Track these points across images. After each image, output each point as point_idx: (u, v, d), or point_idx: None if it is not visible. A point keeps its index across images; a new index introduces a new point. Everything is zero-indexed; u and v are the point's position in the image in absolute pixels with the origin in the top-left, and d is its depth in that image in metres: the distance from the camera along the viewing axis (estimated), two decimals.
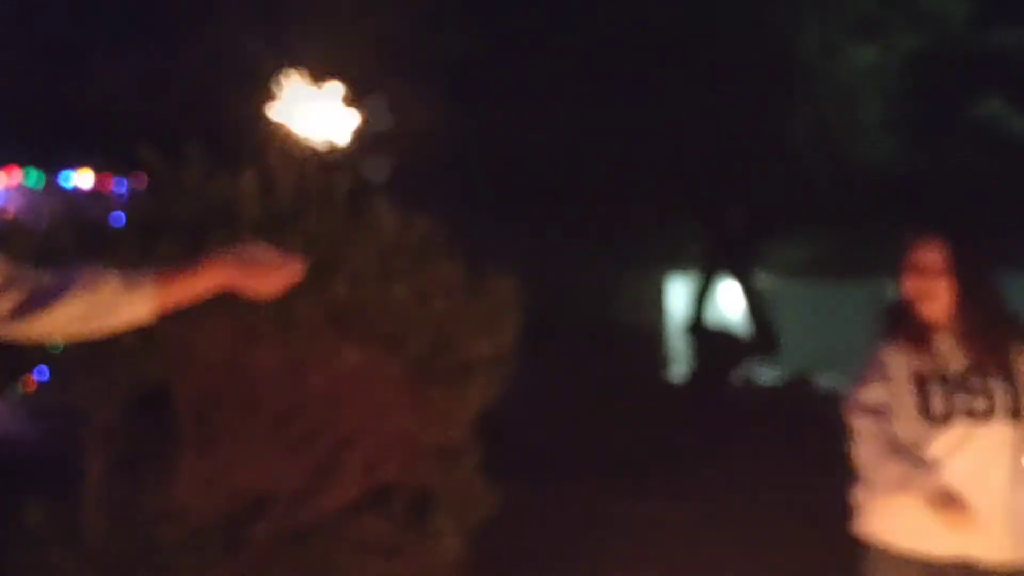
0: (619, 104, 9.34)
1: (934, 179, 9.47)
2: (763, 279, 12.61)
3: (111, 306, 1.49)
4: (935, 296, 2.38)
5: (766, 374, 11.89)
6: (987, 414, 2.32)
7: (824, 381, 11.99)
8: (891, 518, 2.36)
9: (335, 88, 2.25)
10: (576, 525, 5.91)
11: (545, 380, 8.49)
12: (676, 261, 14.28)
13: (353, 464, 3.42)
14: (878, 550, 2.39)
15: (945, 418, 2.33)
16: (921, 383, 2.36)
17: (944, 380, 2.35)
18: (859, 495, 2.47)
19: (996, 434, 2.32)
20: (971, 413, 2.32)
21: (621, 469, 7.14)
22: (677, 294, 15.23)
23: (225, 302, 3.21)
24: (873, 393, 2.41)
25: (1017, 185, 9.33)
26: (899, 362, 2.39)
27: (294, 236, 3.25)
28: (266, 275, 1.64)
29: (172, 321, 3.14)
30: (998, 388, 2.33)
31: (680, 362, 13.36)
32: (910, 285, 2.42)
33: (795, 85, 9.42)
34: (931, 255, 2.39)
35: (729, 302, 13.16)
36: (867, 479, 2.41)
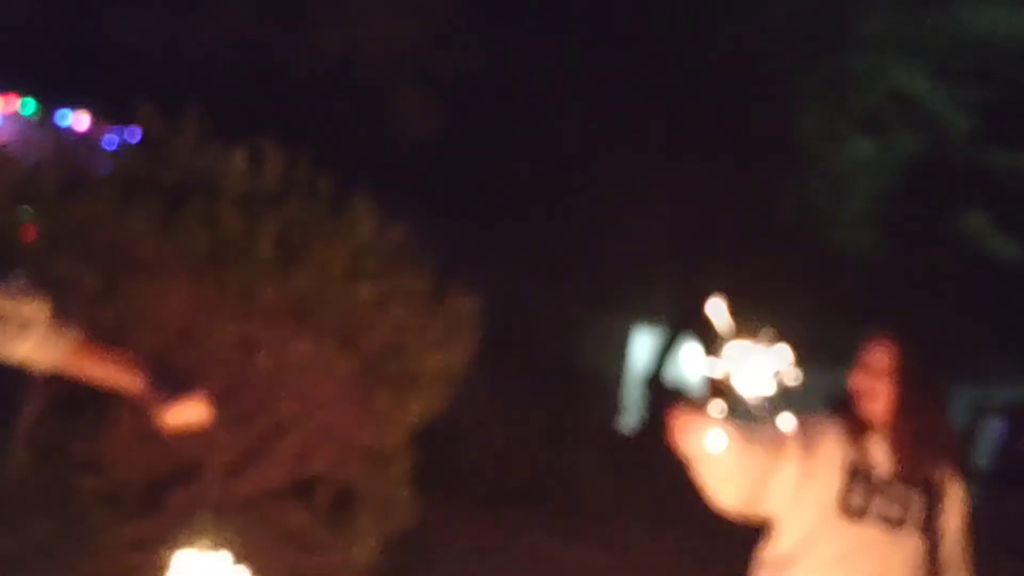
0: (616, 151, 9.45)
1: (906, 281, 9.66)
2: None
3: (16, 333, 1.42)
4: (876, 396, 2.39)
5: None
6: (899, 523, 2.35)
7: None
8: None
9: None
10: (496, 556, 5.95)
11: (496, 407, 8.53)
12: (646, 313, 14.41)
13: (285, 450, 3.46)
14: None
15: (859, 515, 2.36)
16: (851, 474, 2.38)
17: (868, 479, 2.38)
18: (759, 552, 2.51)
19: (902, 545, 2.36)
20: (886, 519, 2.35)
21: (555, 508, 7.19)
22: (642, 345, 15.34)
23: (190, 271, 3.30)
24: (797, 442, 2.40)
25: (986, 302, 9.56)
26: (836, 446, 2.40)
27: (272, 219, 3.33)
28: (178, 410, 1.64)
29: (132, 277, 3.21)
30: (916, 501, 2.36)
31: (632, 413, 13.45)
32: (856, 381, 2.43)
33: (789, 165, 9.59)
34: (879, 355, 2.39)
35: (691, 363, 13.27)
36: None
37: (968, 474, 3.59)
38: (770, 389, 2.34)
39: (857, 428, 2.42)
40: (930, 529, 2.37)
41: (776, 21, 9.53)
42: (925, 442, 2.38)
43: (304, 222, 3.33)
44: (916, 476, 2.37)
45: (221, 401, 3.50)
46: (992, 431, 3.65)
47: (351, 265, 3.36)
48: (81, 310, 3.29)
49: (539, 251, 10.75)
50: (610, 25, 9.40)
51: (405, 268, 3.51)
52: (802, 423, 2.46)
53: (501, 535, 6.43)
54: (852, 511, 2.35)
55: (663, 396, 11.58)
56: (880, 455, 2.40)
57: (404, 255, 3.54)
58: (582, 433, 9.95)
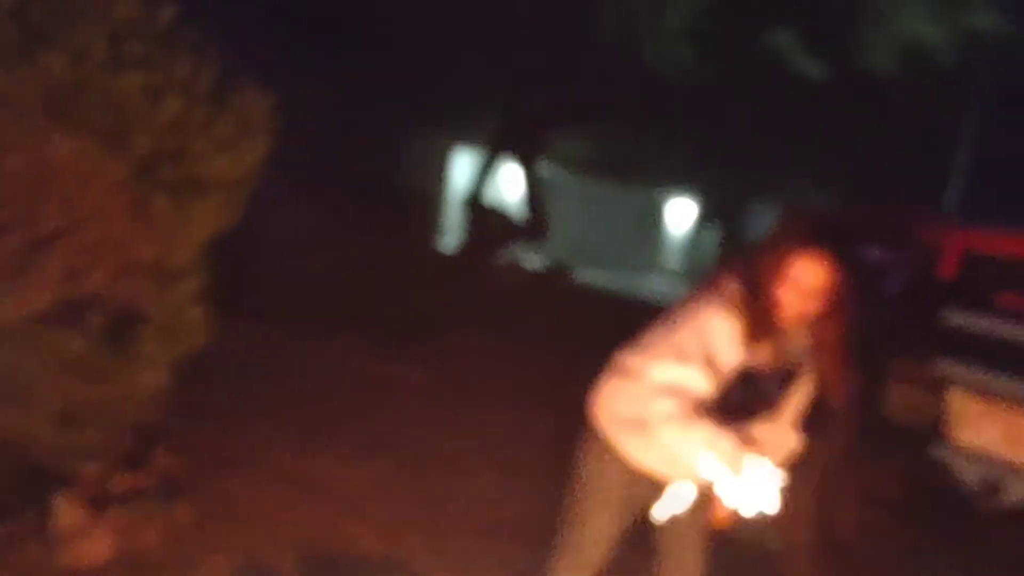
0: None
1: (723, 96, 9.80)
2: (546, 168, 12.70)
3: None
4: (795, 311, 2.29)
5: (531, 259, 12.13)
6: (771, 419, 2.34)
7: (581, 275, 12.47)
8: (628, 439, 2.39)
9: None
10: (305, 376, 5.77)
11: (310, 225, 8.14)
12: (467, 134, 14.11)
13: (50, 268, 2.99)
14: (596, 434, 2.41)
15: (736, 411, 2.33)
16: (741, 380, 2.34)
17: (749, 379, 2.34)
18: (606, 382, 2.41)
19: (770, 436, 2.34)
20: (753, 415, 2.33)
21: (370, 328, 7.04)
22: (462, 166, 15.12)
23: None
24: (684, 374, 2.30)
25: (788, 119, 9.89)
26: (727, 344, 2.30)
27: None
28: None
29: None
30: (775, 392, 2.34)
31: (453, 234, 13.36)
32: (784, 297, 2.28)
33: None
34: (812, 276, 2.27)
35: (510, 184, 13.22)
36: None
37: None
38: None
39: (760, 331, 2.31)
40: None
41: None
42: (832, 354, 2.35)
43: None
44: (796, 380, 2.34)
45: None
46: None
47: (112, 50, 2.81)
48: None
49: (359, 64, 10.11)
50: None
51: (181, 57, 2.98)
52: (704, 344, 2.32)
53: (320, 356, 6.24)
54: (729, 409, 2.31)
55: (483, 217, 11.53)
56: (768, 355, 2.34)
57: (179, 41, 3.00)
58: (403, 254, 9.80)
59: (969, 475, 3.10)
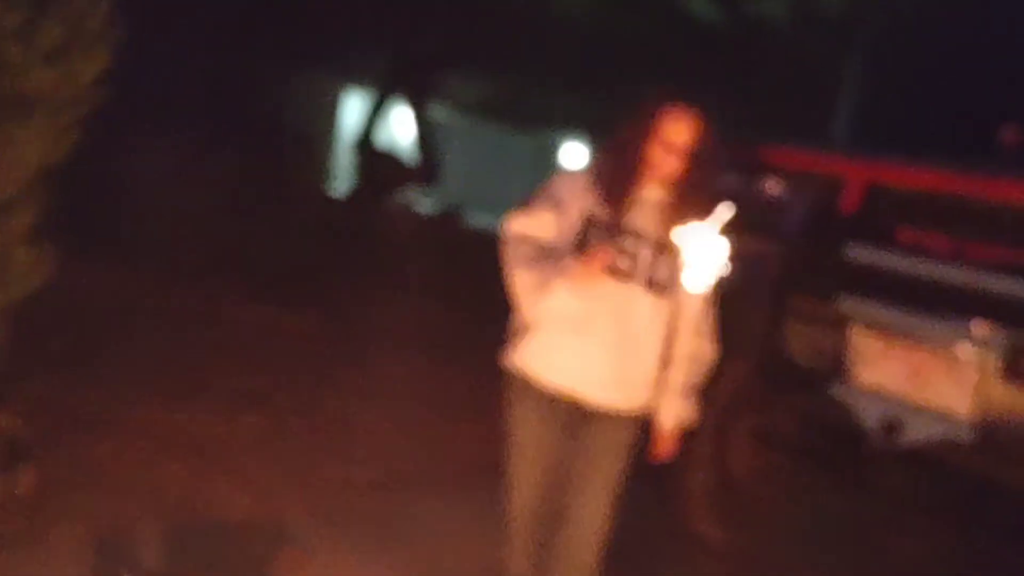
0: None
1: (619, 39, 9.69)
2: (438, 110, 12.43)
3: None
4: (667, 167, 2.35)
5: (423, 203, 11.89)
6: (627, 275, 2.36)
7: (474, 219, 12.29)
8: (526, 346, 2.45)
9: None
10: (171, 323, 5.39)
11: (182, 163, 7.63)
12: (356, 76, 13.64)
13: None
14: (513, 376, 2.47)
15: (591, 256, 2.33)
16: (587, 224, 2.38)
17: (607, 232, 2.37)
18: (512, 325, 2.49)
19: (631, 297, 2.37)
20: (613, 272, 2.34)
21: (247, 273, 6.65)
22: (352, 108, 14.62)
23: None
24: (532, 221, 2.43)
25: (689, 61, 9.84)
26: (580, 197, 2.40)
27: None
28: None
29: None
30: (647, 255, 2.36)
31: (343, 177, 12.94)
32: (653, 153, 2.35)
33: None
34: (679, 130, 2.33)
35: (401, 127, 12.88)
36: (517, 307, 2.43)
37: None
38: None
39: (621, 188, 2.38)
40: (669, 286, 2.37)
41: None
42: (689, 205, 2.34)
43: None
44: (657, 235, 2.35)
45: None
46: None
47: None
48: None
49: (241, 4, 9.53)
50: None
51: None
52: (538, 199, 2.45)
53: (187, 301, 5.83)
54: (586, 256, 2.32)
55: (374, 160, 11.23)
56: (633, 212, 2.38)
57: None
58: (291, 198, 9.42)
59: (869, 414, 3.08)
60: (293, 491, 3.56)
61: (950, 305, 2.90)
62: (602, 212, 2.37)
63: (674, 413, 2.46)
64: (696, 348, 2.43)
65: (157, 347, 4.86)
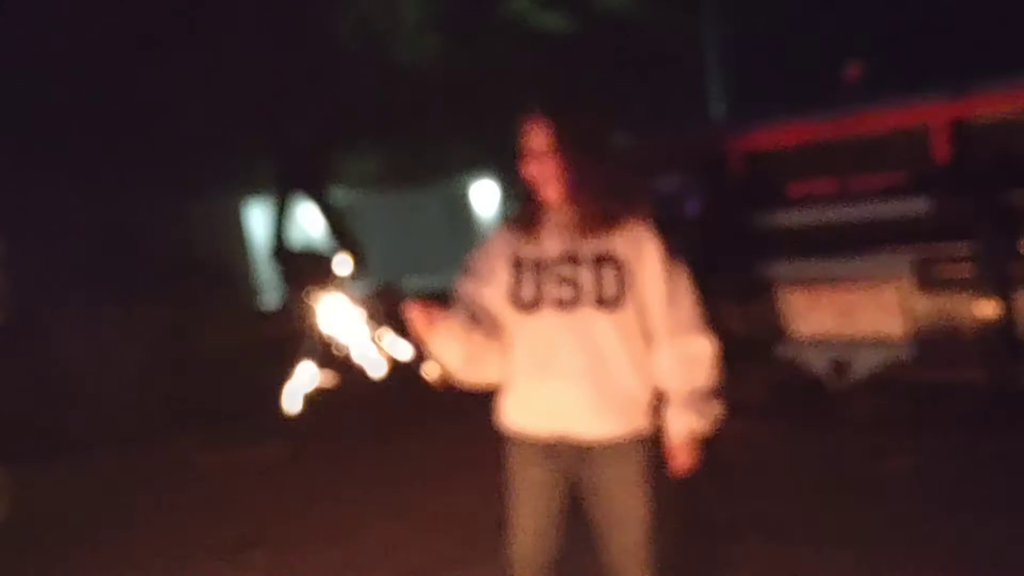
0: (170, 44, 8.45)
1: (479, 74, 9.84)
2: (338, 194, 12.45)
3: None
4: (547, 178, 2.23)
5: (357, 287, 11.83)
6: (573, 302, 2.24)
7: (412, 283, 12.30)
8: (505, 401, 2.37)
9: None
10: (143, 488, 5.31)
11: (112, 329, 7.48)
12: (250, 186, 13.59)
13: None
14: (507, 436, 2.37)
15: (532, 305, 2.25)
16: (517, 269, 2.29)
17: (538, 268, 2.27)
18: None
19: (584, 321, 2.25)
20: (560, 303, 2.24)
21: (202, 419, 6.53)
22: (256, 220, 14.55)
23: None
24: (468, 285, 2.33)
25: (548, 75, 10.01)
26: (503, 247, 2.32)
27: None
28: None
29: None
30: (588, 274, 2.23)
31: (269, 289, 12.82)
32: (525, 170, 2.26)
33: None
34: (539, 137, 2.23)
35: (310, 221, 12.87)
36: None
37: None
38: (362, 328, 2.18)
39: (530, 219, 2.30)
40: (621, 297, 2.24)
41: None
42: (596, 206, 2.24)
43: None
44: (586, 252, 2.25)
45: None
46: None
47: None
48: None
49: (120, 157, 9.49)
50: None
51: None
52: (476, 255, 2.37)
53: (160, 459, 5.72)
54: (525, 304, 2.26)
55: (294, 262, 11.15)
56: (552, 239, 2.27)
57: None
58: (223, 327, 9.24)
59: (817, 362, 3.17)
60: None
61: (856, 243, 3.01)
62: (527, 250, 2.28)
63: (681, 423, 2.27)
64: (685, 348, 2.27)
65: (133, 515, 4.78)
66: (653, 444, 2.30)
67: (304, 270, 11.09)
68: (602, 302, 2.22)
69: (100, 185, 9.56)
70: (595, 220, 2.23)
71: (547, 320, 2.24)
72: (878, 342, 3.02)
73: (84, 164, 9.02)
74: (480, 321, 2.28)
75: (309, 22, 8.93)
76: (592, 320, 2.23)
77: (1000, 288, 2.72)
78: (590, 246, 2.24)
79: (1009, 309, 2.73)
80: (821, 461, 4.18)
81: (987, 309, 2.74)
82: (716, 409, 2.27)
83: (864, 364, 3.03)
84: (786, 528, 3.70)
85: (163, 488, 5.32)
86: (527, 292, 2.25)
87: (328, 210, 11.21)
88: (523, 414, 2.32)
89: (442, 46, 9.43)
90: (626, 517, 2.31)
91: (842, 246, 3.05)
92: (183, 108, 9.35)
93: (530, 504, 2.38)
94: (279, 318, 10.82)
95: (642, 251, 2.24)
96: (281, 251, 11.18)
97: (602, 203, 2.22)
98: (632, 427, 2.27)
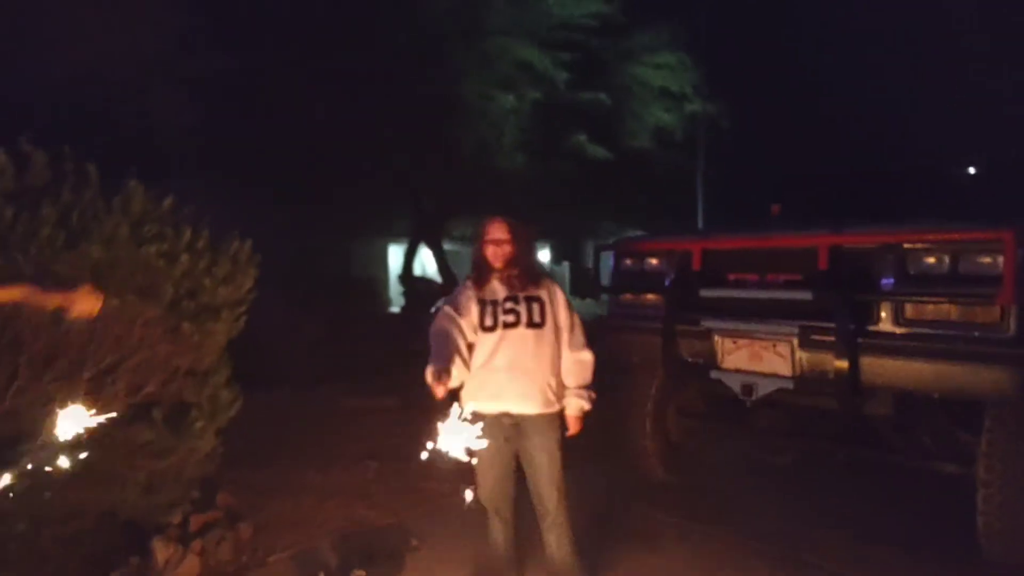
0: (356, 123, 8.85)
1: (548, 181, 10.12)
2: (449, 246, 12.84)
3: None
4: (499, 255, 2.50)
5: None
6: (515, 324, 2.47)
7: None
8: (468, 390, 2.50)
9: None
10: (307, 417, 5.58)
11: (294, 316, 7.89)
12: (393, 233, 14.07)
13: (117, 387, 2.87)
14: (476, 414, 2.38)
15: (492, 328, 2.48)
16: (481, 306, 2.49)
17: (493, 305, 2.48)
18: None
19: (521, 336, 2.47)
20: (506, 325, 2.47)
21: (346, 377, 6.87)
22: (394, 256, 15.02)
23: None
24: (453, 313, 2.51)
25: (593, 187, 10.25)
26: (471, 293, 2.53)
27: (49, 208, 2.62)
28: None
29: None
30: (523, 308, 2.48)
31: (396, 302, 13.23)
32: (487, 248, 2.51)
33: (464, 117, 9.53)
34: (501, 230, 2.51)
35: (428, 260, 13.24)
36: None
37: (593, 289, 3.85)
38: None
39: (484, 277, 2.53)
40: (543, 322, 2.48)
41: (438, 20, 9.25)
42: (527, 273, 2.52)
43: (78, 204, 2.65)
44: (522, 294, 2.50)
45: (47, 362, 2.85)
46: (605, 261, 3.89)
47: (132, 231, 2.76)
48: None
49: (313, 203, 9.94)
50: (325, 31, 8.58)
51: (183, 228, 2.94)
52: (452, 299, 2.55)
53: (310, 404, 6.05)
54: (487, 327, 2.47)
55: (414, 285, 11.52)
56: (499, 288, 2.51)
57: (180, 218, 2.96)
58: (362, 322, 9.57)
59: (735, 385, 3.28)
60: (407, 507, 3.71)
61: (765, 313, 3.13)
62: (485, 294, 2.49)
63: (575, 404, 2.48)
64: (578, 356, 2.48)
65: (302, 434, 5.07)
66: (559, 417, 2.51)
67: (420, 291, 11.47)
68: (531, 324, 2.47)
69: (295, 221, 10.07)
70: (525, 278, 2.49)
71: (499, 335, 2.47)
72: (773, 376, 3.10)
73: (286, 205, 9.51)
74: (458, 336, 2.43)
75: (444, 139, 9.30)
76: (526, 336, 2.46)
77: (851, 350, 2.86)
78: (524, 292, 2.49)
79: (855, 364, 2.85)
80: (735, 449, 4.28)
81: (842, 363, 2.88)
82: (593, 395, 2.51)
83: (764, 389, 3.14)
84: (699, 491, 3.82)
85: (319, 418, 5.65)
86: (488, 320, 2.49)
87: (440, 255, 11.55)
88: (479, 397, 2.44)
89: (526, 161, 9.73)
90: (545, 462, 2.49)
91: (757, 313, 3.12)
92: (357, 179, 9.76)
93: (487, 460, 2.46)
94: (401, 319, 11.20)
95: (554, 297, 2.53)
96: (407, 277, 11.58)
97: (529, 269, 2.51)
98: (550, 408, 2.49)
